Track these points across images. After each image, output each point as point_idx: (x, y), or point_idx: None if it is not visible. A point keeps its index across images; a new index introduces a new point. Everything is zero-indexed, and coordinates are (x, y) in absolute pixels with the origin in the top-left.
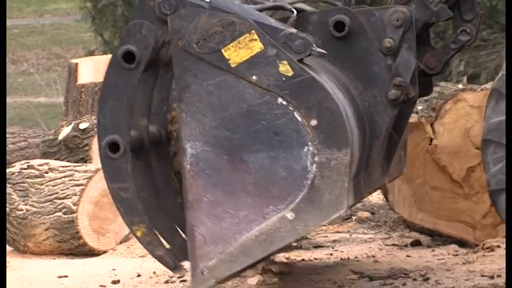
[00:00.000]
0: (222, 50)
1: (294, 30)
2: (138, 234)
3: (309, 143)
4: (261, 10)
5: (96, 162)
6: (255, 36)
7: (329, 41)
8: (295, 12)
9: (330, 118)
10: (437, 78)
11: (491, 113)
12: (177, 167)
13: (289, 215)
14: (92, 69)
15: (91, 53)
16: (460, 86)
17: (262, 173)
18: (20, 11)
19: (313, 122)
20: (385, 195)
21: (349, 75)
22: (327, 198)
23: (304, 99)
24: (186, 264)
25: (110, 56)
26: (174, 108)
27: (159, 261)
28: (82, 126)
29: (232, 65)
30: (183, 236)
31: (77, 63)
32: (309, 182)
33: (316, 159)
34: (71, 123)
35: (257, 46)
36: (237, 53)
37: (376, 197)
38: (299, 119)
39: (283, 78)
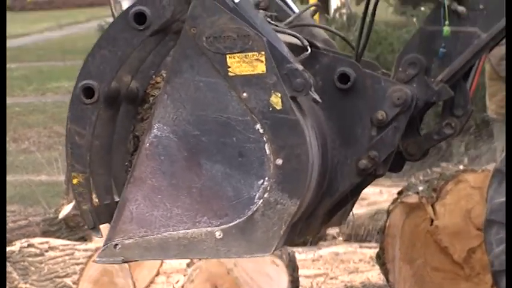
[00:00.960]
0: (227, 56)
1: (300, 67)
2: (74, 181)
3: (266, 178)
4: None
5: (96, 241)
6: (262, 58)
7: (329, 86)
8: (309, 50)
9: (295, 165)
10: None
11: (494, 193)
12: (139, 131)
13: (218, 234)
14: None
15: None
16: (461, 167)
17: (211, 184)
18: (21, 89)
19: (279, 161)
20: (386, 275)
21: (333, 128)
22: (259, 235)
23: (281, 136)
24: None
25: None
26: (161, 74)
27: (81, 216)
28: None
29: (230, 74)
30: (116, 198)
31: None
32: (250, 213)
33: (265, 195)
34: (71, 202)
35: (260, 68)
36: (239, 64)
37: (377, 277)
38: (267, 152)
39: (270, 109)
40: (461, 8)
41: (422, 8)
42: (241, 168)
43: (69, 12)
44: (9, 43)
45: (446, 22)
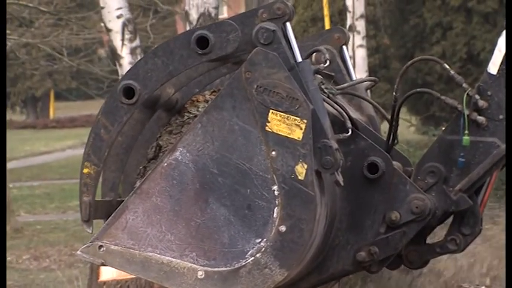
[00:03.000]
0: (270, 111)
1: (335, 146)
2: (85, 171)
3: (265, 239)
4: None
5: None
6: (303, 126)
7: (356, 170)
8: (349, 133)
9: (296, 238)
10: None
11: None
12: (164, 141)
13: (200, 273)
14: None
15: None
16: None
17: (211, 224)
18: (43, 207)
19: (282, 228)
20: None
21: (345, 209)
22: None
23: (292, 206)
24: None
25: None
26: (203, 94)
27: (80, 206)
28: None
29: (267, 129)
30: (118, 199)
31: None
32: (237, 266)
33: (258, 255)
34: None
35: (297, 134)
36: (279, 123)
37: None
38: (275, 215)
39: (293, 176)
40: (481, 118)
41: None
42: (244, 220)
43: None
44: (32, 161)
45: (466, 132)
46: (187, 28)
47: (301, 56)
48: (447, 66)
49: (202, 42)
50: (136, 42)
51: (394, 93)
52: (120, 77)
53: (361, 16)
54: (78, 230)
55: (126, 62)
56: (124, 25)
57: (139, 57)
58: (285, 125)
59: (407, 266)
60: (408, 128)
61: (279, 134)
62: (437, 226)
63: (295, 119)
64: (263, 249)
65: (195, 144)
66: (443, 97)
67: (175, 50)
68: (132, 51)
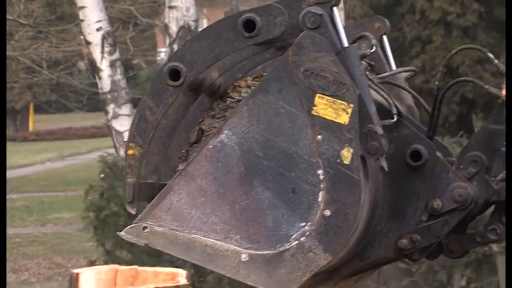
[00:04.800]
0: (317, 95)
1: (380, 131)
2: (129, 152)
3: (309, 223)
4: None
5: None
6: (349, 110)
7: (399, 158)
8: (395, 119)
9: (341, 222)
10: None
11: None
12: (206, 125)
13: (244, 256)
14: (94, 280)
15: (92, 263)
16: None
17: (255, 207)
18: (22, 219)
19: (327, 212)
20: None
21: (387, 197)
22: (281, 274)
23: (337, 190)
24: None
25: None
26: (246, 80)
27: (124, 187)
28: None
29: (313, 113)
30: (161, 181)
31: (78, 273)
32: (281, 249)
33: (302, 239)
34: None
35: (343, 118)
36: (325, 107)
37: None
38: (319, 199)
39: (338, 160)
40: None
41: None
42: (289, 204)
43: (71, 143)
44: (11, 173)
45: None
46: (167, 42)
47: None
48: (491, 55)
49: (249, 25)
50: (116, 55)
51: (436, 82)
52: (99, 90)
53: None
54: (57, 243)
55: (105, 75)
56: (103, 38)
57: (118, 70)
58: (331, 109)
59: (447, 255)
60: None
61: (325, 118)
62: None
63: (342, 103)
64: (307, 233)
65: (240, 127)
66: (486, 86)
67: (222, 33)
68: (112, 64)
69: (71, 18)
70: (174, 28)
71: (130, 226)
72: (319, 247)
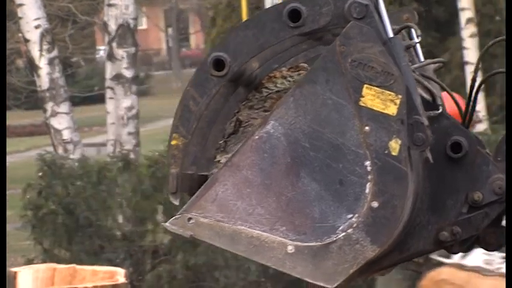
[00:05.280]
0: (365, 85)
1: (426, 122)
2: (173, 142)
3: (356, 215)
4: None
5: None
6: (397, 101)
7: (439, 149)
8: (440, 110)
9: (388, 214)
10: None
11: None
12: (244, 117)
13: (290, 248)
14: (31, 279)
15: (30, 262)
16: None
17: (302, 198)
18: None
19: (374, 204)
20: None
21: (427, 189)
22: (328, 266)
23: (385, 182)
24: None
25: (49, 264)
26: (281, 71)
27: (169, 177)
28: None
29: (360, 103)
30: (199, 173)
31: (15, 272)
32: (328, 241)
33: (349, 231)
34: None
35: (391, 109)
36: (373, 98)
37: None
38: (367, 191)
39: (386, 151)
40: None
41: None
42: (336, 195)
43: (9, 141)
44: None
45: None
46: (106, 39)
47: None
48: None
49: (295, 15)
50: (55, 53)
51: (473, 73)
52: (38, 88)
53: None
54: (12, 244)
55: (44, 73)
56: (42, 35)
57: (57, 68)
58: (379, 100)
59: (484, 247)
60: None
61: (373, 109)
62: None
63: (390, 94)
64: (354, 224)
65: (287, 117)
66: None
67: (267, 23)
68: (50, 62)
69: (10, 15)
70: (113, 26)
71: (175, 217)
72: (366, 239)
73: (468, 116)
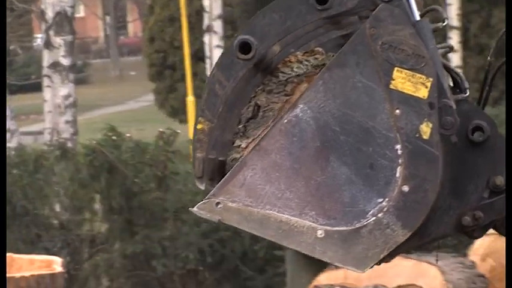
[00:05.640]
0: (395, 68)
1: (454, 106)
2: (199, 126)
3: (387, 199)
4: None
5: None
6: (428, 84)
7: (460, 134)
8: (467, 93)
9: (420, 198)
10: None
11: None
12: (261, 101)
13: (320, 233)
14: None
15: None
16: None
17: (331, 183)
18: None
19: (405, 188)
20: None
21: (448, 174)
22: (359, 250)
23: (416, 166)
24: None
25: None
26: (296, 55)
27: (193, 161)
28: None
29: (391, 86)
30: (230, 156)
31: None
32: (358, 225)
33: (380, 215)
34: None
35: (423, 92)
36: (403, 81)
37: None
38: (397, 175)
39: (417, 135)
40: None
41: None
42: (366, 179)
43: None
44: None
45: None
46: (43, 27)
47: None
48: None
49: None
50: None
51: (488, 58)
52: None
53: (219, 16)
54: None
55: None
56: None
57: None
58: (410, 83)
59: (501, 233)
60: None
61: (404, 92)
62: None
63: (421, 77)
64: (385, 209)
65: (316, 101)
66: None
67: (294, 5)
68: None
69: None
70: (50, 14)
71: (202, 202)
72: (397, 223)
73: (483, 100)
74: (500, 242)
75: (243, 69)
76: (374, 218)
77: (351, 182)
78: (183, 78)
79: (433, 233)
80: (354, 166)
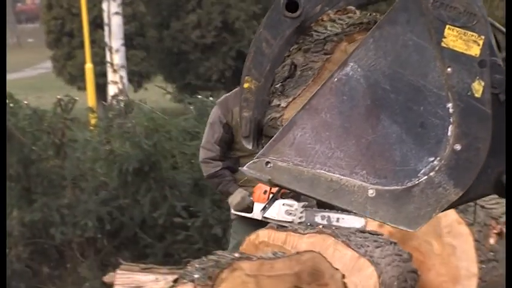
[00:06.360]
0: (447, 26)
1: (502, 64)
2: (245, 85)
3: (438, 158)
4: None
5: None
6: (480, 42)
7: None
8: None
9: (472, 157)
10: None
11: None
12: (299, 60)
13: (371, 192)
14: None
15: None
16: (237, 254)
17: (382, 141)
18: None
19: (457, 147)
20: None
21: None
22: (410, 210)
23: (468, 124)
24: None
25: None
26: (327, 14)
27: (240, 121)
28: None
29: (443, 45)
30: (268, 115)
31: None
32: (410, 184)
33: (431, 174)
34: None
35: (474, 50)
36: (455, 39)
37: None
38: (449, 133)
39: (469, 93)
40: None
41: (200, 96)
42: (417, 138)
43: None
44: None
45: None
46: None
47: None
48: None
49: None
50: None
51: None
52: None
53: None
54: None
55: None
56: None
57: None
58: (461, 41)
59: None
60: (164, 96)
61: (456, 50)
62: None
63: (473, 35)
64: (437, 168)
65: (366, 59)
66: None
67: None
68: None
69: None
70: None
71: (252, 161)
72: (449, 182)
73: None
74: None
75: (290, 27)
76: (425, 177)
77: (402, 140)
78: (81, 45)
79: (471, 192)
80: (405, 125)
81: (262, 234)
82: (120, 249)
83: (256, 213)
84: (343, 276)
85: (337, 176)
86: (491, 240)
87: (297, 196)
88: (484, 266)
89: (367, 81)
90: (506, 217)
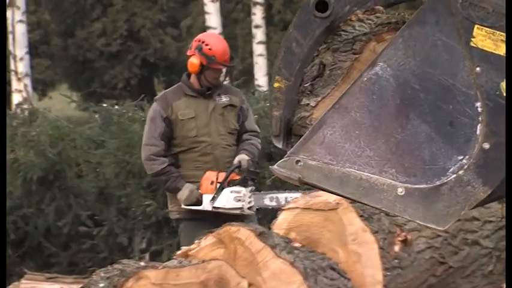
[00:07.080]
0: (476, 26)
1: None
2: (276, 85)
3: (467, 156)
4: None
5: None
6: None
7: None
8: None
9: (501, 156)
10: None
11: None
12: (329, 61)
13: (400, 190)
14: None
15: None
16: (142, 263)
17: (411, 140)
18: None
19: (486, 145)
20: None
21: None
22: (439, 208)
23: (497, 123)
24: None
25: None
26: (355, 14)
27: (270, 120)
28: None
29: (471, 44)
30: (297, 114)
31: None
32: (439, 183)
33: (460, 172)
34: None
35: (503, 49)
36: (484, 38)
37: None
38: (478, 132)
39: (497, 92)
40: None
41: (105, 105)
42: (446, 137)
43: None
44: None
45: None
46: None
47: None
48: None
49: None
50: None
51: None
52: None
53: None
54: None
55: None
56: None
57: None
58: (490, 41)
59: None
60: (69, 105)
61: (484, 50)
62: None
63: (501, 35)
64: (465, 166)
65: (396, 59)
66: None
67: None
68: None
69: None
70: None
71: (282, 160)
72: (478, 180)
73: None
74: (304, 215)
75: (319, 27)
76: (454, 175)
77: (431, 139)
78: None
79: (499, 191)
80: (434, 124)
81: (243, 231)
82: (25, 259)
83: (206, 205)
84: (250, 284)
85: (367, 174)
86: (396, 248)
87: (243, 182)
88: (388, 273)
89: (397, 81)
90: (506, 217)
